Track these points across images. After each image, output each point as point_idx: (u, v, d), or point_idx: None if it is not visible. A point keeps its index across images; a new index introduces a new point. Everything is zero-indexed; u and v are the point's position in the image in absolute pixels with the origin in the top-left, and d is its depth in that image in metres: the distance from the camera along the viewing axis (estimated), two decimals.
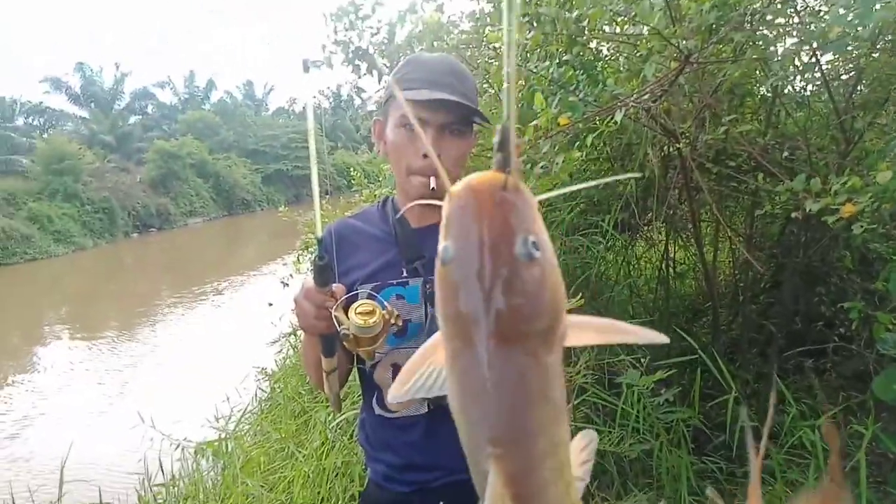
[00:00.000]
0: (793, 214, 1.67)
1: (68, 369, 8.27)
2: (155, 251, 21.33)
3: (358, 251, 1.27)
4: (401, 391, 0.52)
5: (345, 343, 1.10)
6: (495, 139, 0.43)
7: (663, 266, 3.35)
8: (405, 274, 1.22)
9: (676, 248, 3.55)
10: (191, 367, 7.53)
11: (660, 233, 3.57)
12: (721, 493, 2.15)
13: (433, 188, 1.14)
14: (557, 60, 1.99)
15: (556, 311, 0.44)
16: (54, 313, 12.65)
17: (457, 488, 1.18)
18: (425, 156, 1.13)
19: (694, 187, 2.78)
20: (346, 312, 1.08)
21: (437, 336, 0.49)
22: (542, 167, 1.73)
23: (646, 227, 3.52)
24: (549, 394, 0.45)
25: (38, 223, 19.97)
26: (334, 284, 1.08)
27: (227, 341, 8.22)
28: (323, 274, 1.05)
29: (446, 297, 0.43)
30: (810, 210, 1.55)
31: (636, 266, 3.52)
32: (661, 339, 0.50)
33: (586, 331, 0.49)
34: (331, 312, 1.07)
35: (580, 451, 0.60)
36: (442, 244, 0.43)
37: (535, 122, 1.66)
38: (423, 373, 0.51)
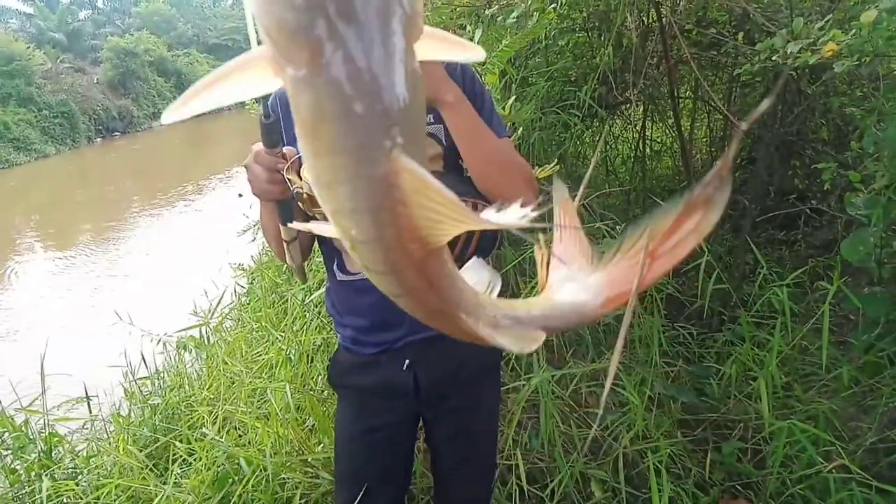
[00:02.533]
0: (774, 58, 1.59)
1: (43, 277, 8.21)
2: (121, 156, 20.60)
3: None
4: (183, 109, 0.45)
5: (300, 204, 1.04)
6: None
7: (640, 144, 3.30)
8: None
9: (653, 126, 3.49)
10: (166, 267, 7.52)
11: (636, 111, 3.49)
12: (692, 357, 2.25)
13: None
14: None
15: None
16: (24, 223, 12.36)
17: (420, 346, 1.23)
18: None
19: (674, 56, 2.68)
20: (298, 174, 1.03)
21: (246, 58, 0.43)
22: (514, 17, 1.61)
23: (623, 106, 3.44)
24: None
25: None
26: (285, 148, 1.02)
27: (201, 240, 8.17)
28: (271, 134, 0.99)
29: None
30: (790, 53, 1.48)
31: (612, 146, 3.47)
32: (479, 52, 0.46)
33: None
34: (283, 175, 1.02)
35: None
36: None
37: None
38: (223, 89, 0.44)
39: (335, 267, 1.27)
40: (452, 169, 1.17)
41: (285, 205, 1.09)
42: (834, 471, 1.69)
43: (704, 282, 2.08)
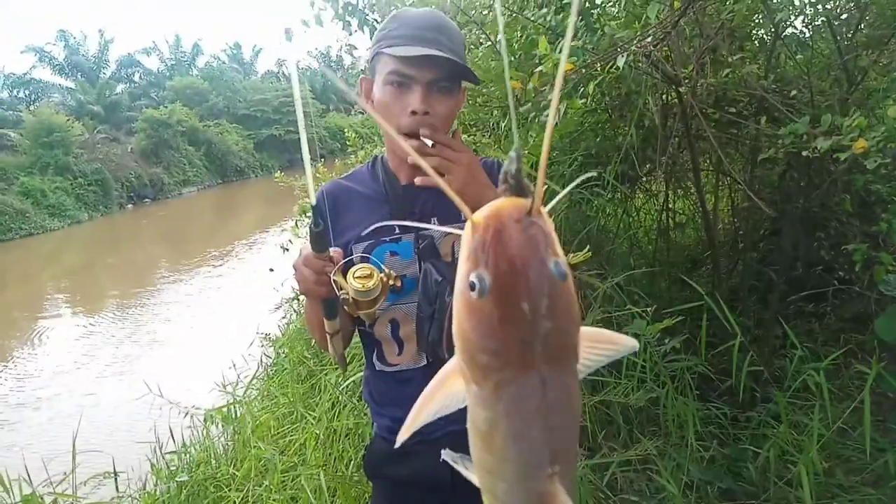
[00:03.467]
0: (803, 153, 1.64)
1: (72, 342, 8.32)
2: (151, 222, 21.21)
3: (350, 211, 1.28)
4: (406, 434, 0.57)
5: (345, 307, 1.12)
6: (509, 165, 0.43)
7: (663, 216, 3.34)
8: (397, 231, 1.23)
9: (675, 198, 3.53)
10: (194, 336, 7.59)
11: (659, 183, 3.55)
12: (727, 438, 2.20)
13: (429, 144, 1.11)
14: (555, 7, 1.93)
15: (579, 322, 0.45)
16: (54, 287, 12.65)
17: (458, 437, 1.22)
18: (413, 112, 1.11)
19: (694, 134, 2.75)
20: (344, 276, 1.10)
21: (445, 374, 0.53)
22: (546, 115, 1.69)
23: (645, 179, 3.50)
24: (580, 401, 0.48)
25: (32, 198, 19.77)
26: (332, 249, 1.08)
27: (229, 309, 8.26)
28: (320, 240, 1.05)
29: (487, 330, 0.43)
30: (820, 149, 1.52)
31: (636, 218, 3.51)
32: (632, 343, 0.53)
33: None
34: (330, 277, 1.08)
35: (600, 345, 0.59)
36: (472, 274, 0.42)
37: (539, 69, 1.62)
38: (433, 411, 0.55)
39: (375, 357, 1.29)
40: None
41: (330, 302, 1.13)
42: None
43: (739, 360, 2.06)
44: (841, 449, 2.01)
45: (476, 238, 0.42)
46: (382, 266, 1.14)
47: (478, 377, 0.45)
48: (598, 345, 0.54)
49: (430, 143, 1.11)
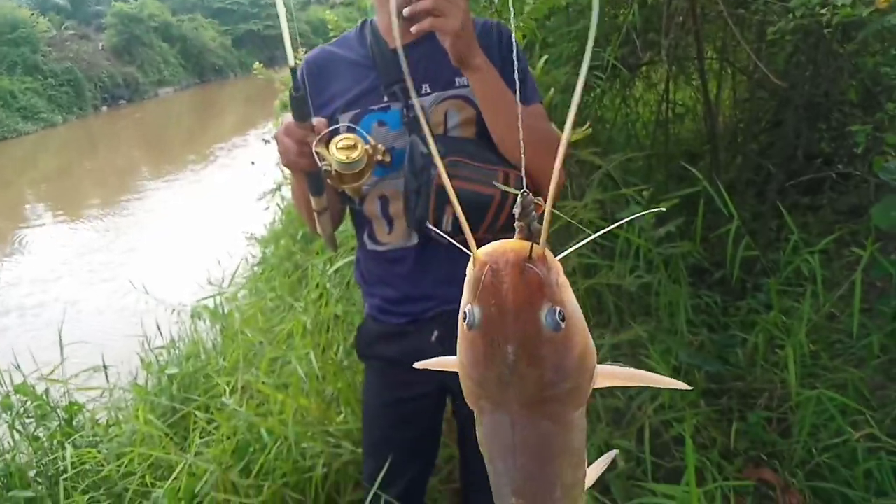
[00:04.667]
0: (821, 14, 1.51)
1: (55, 249, 8.23)
2: (128, 124, 20.48)
3: (337, 79, 1.19)
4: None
5: (328, 180, 1.05)
6: (517, 209, 0.44)
7: (662, 108, 3.21)
8: (385, 99, 1.15)
9: (676, 88, 3.39)
10: (179, 235, 7.51)
11: (660, 73, 3.39)
12: (718, 326, 2.21)
13: None
14: None
15: (581, 374, 0.45)
16: (33, 193, 12.39)
17: (448, 317, 1.20)
18: None
19: (701, 13, 2.58)
20: (328, 147, 1.03)
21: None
22: None
23: (645, 67, 3.33)
24: (570, 446, 0.49)
25: (2, 100, 18.90)
26: (315, 118, 1.01)
27: (213, 208, 8.15)
28: (300, 107, 0.99)
29: (472, 361, 0.45)
30: (840, 5, 1.39)
31: (634, 109, 3.38)
32: (683, 386, 0.54)
33: (615, 379, 0.52)
34: (312, 148, 1.01)
35: (598, 469, 0.63)
36: (467, 305, 0.44)
37: None
38: None
39: (366, 236, 1.25)
40: (485, 134, 1.12)
41: (315, 176, 1.08)
42: (861, 440, 1.67)
43: (733, 248, 2.02)
44: (828, 333, 2.03)
45: (475, 273, 0.43)
46: (368, 137, 1.07)
47: (467, 395, 0.48)
48: (636, 381, 0.54)
49: None
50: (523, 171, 0.53)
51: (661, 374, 1.74)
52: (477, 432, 0.50)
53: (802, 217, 2.85)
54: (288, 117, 1.03)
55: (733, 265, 1.99)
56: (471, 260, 0.44)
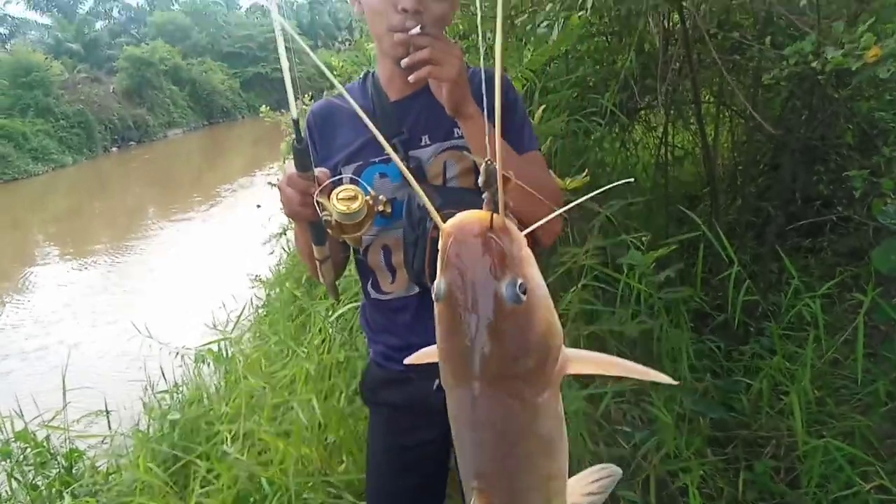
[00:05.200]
0: (812, 64, 1.55)
1: (61, 289, 8.27)
2: (137, 165, 20.80)
3: (339, 131, 1.22)
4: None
5: (329, 231, 1.06)
6: (481, 178, 0.43)
7: (661, 151, 3.25)
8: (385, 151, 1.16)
9: (674, 131, 3.44)
10: (184, 277, 7.55)
11: (658, 116, 3.45)
12: (721, 371, 2.20)
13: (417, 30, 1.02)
14: None
15: (543, 351, 0.44)
16: (42, 233, 12.51)
17: None
18: (404, 10, 1.02)
19: (696, 61, 2.64)
20: (329, 198, 1.03)
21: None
22: (545, 26, 1.59)
23: (643, 112, 3.39)
24: (538, 431, 0.47)
25: (14, 141, 19.26)
26: (318, 169, 1.02)
27: (218, 250, 8.20)
28: (303, 159, 1.00)
29: (440, 334, 0.45)
30: (830, 59, 1.43)
31: (633, 152, 3.42)
32: (668, 379, 0.50)
33: (586, 364, 0.51)
34: (314, 199, 1.02)
35: (590, 481, 0.61)
36: (437, 279, 0.43)
37: None
38: None
39: (369, 286, 1.26)
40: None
41: (318, 226, 1.09)
42: (873, 491, 1.64)
43: (734, 293, 2.02)
44: (832, 379, 2.01)
45: (441, 245, 0.43)
46: (369, 189, 1.08)
47: (441, 373, 0.47)
48: (611, 368, 0.53)
49: (418, 30, 1.02)
50: (497, 142, 0.46)
51: (666, 421, 1.73)
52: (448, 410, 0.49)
53: (803, 259, 2.85)
54: (291, 168, 1.04)
55: (735, 310, 1.99)
56: (441, 232, 0.44)
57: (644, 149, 3.50)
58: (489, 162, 0.43)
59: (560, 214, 1.28)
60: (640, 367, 0.51)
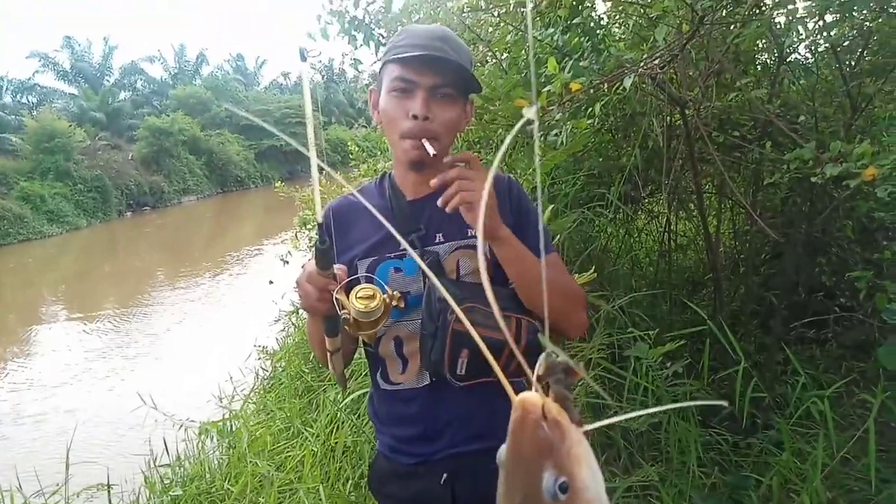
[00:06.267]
0: (812, 179, 1.63)
1: (67, 350, 8.26)
2: (150, 230, 21.18)
3: (356, 227, 1.28)
4: None
5: (347, 327, 1.10)
6: (540, 368, 0.45)
7: (665, 238, 3.33)
8: (401, 247, 1.21)
9: (677, 220, 3.53)
10: (191, 346, 7.53)
11: (661, 205, 3.55)
12: (729, 465, 2.17)
13: (430, 153, 1.11)
14: (561, 27, 1.94)
15: None
16: (51, 294, 12.60)
17: (458, 460, 1.22)
18: (414, 117, 1.11)
19: (698, 157, 2.75)
20: (347, 295, 1.08)
21: None
22: (554, 135, 1.70)
23: (647, 200, 3.50)
24: None
25: (31, 203, 19.77)
26: (336, 267, 1.07)
27: (227, 320, 8.21)
28: (325, 258, 1.04)
29: (497, 498, 0.46)
30: (829, 175, 1.52)
31: (637, 239, 3.51)
32: None
33: None
34: (333, 295, 1.06)
35: None
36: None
37: (547, 88, 1.62)
38: None
39: (378, 375, 1.28)
40: (498, 282, 1.20)
41: (332, 319, 1.12)
42: None
43: (741, 385, 2.04)
44: (844, 479, 1.99)
45: (511, 415, 0.45)
46: (386, 287, 1.13)
47: None
48: None
49: (431, 151, 1.10)
50: (547, 323, 0.54)
51: None
52: None
53: (808, 350, 2.86)
54: (310, 265, 1.08)
55: (742, 404, 1.99)
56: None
57: (647, 236, 3.59)
58: (550, 354, 0.45)
59: (583, 311, 1.32)
60: None
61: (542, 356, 0.45)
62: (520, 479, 0.43)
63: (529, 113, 0.43)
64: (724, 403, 0.52)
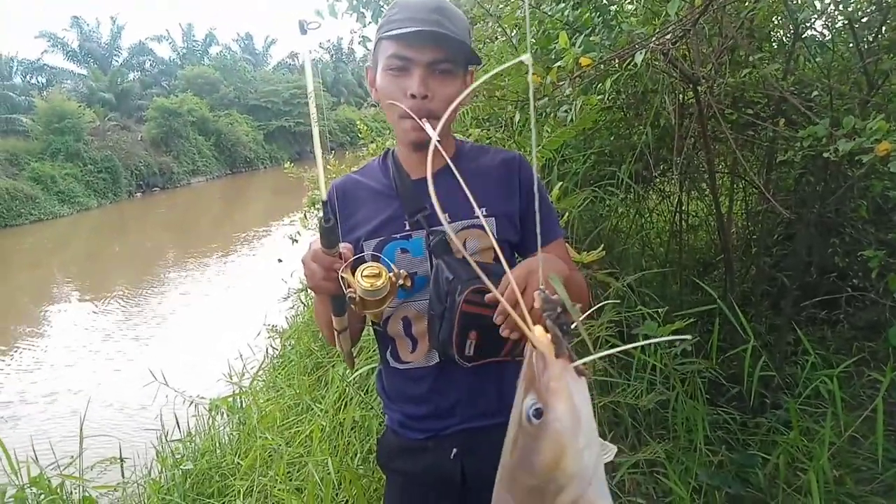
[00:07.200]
0: (824, 154, 1.61)
1: (79, 329, 8.37)
2: (160, 210, 21.31)
3: (361, 206, 1.26)
4: None
5: (353, 306, 1.09)
6: (537, 302, 0.48)
7: (676, 219, 3.30)
8: (408, 227, 1.20)
9: (689, 200, 3.50)
10: (201, 326, 7.61)
11: (672, 185, 3.51)
12: (736, 443, 2.18)
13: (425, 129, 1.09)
14: (573, 2, 1.91)
15: (544, 480, 0.45)
16: (62, 274, 12.74)
17: (467, 435, 1.23)
18: (413, 96, 1.08)
19: (710, 135, 2.72)
20: (353, 273, 1.08)
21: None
22: (564, 111, 1.67)
23: (658, 180, 3.46)
24: None
25: (42, 183, 19.93)
26: (342, 245, 1.06)
27: (237, 299, 8.28)
28: (330, 236, 1.03)
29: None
30: (840, 151, 1.49)
31: (648, 219, 3.48)
32: None
33: None
34: (339, 274, 1.06)
35: None
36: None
37: (558, 64, 1.59)
38: None
39: (388, 354, 1.28)
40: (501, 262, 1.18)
41: (339, 298, 1.12)
42: None
43: (750, 365, 2.03)
44: (852, 458, 1.99)
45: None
46: (392, 266, 1.12)
47: None
48: None
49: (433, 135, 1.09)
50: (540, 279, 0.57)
51: (681, 494, 1.71)
52: None
53: (819, 331, 2.85)
54: (316, 243, 1.06)
55: (750, 383, 1.99)
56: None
57: (659, 216, 3.55)
58: (542, 290, 0.48)
59: (587, 301, 1.31)
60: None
61: (537, 293, 0.47)
62: (518, 400, 0.47)
63: (524, 57, 0.44)
64: (688, 337, 0.57)
